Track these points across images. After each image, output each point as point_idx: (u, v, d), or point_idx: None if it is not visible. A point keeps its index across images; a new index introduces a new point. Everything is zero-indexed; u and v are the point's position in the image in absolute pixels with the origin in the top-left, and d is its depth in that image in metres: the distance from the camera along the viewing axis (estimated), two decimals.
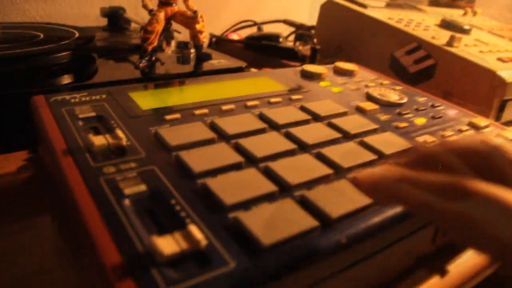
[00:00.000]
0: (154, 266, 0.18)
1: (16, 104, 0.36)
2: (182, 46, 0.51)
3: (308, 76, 0.45)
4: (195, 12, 0.49)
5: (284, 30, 0.83)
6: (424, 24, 0.70)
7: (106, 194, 0.22)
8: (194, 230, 0.19)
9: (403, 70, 0.63)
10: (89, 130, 0.29)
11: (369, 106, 0.38)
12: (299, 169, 0.26)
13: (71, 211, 0.22)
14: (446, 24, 0.71)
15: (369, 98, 0.41)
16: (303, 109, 0.35)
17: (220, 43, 0.80)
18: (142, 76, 0.44)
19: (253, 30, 0.88)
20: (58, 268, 0.25)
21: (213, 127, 0.30)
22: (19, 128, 0.37)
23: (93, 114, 0.31)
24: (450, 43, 0.59)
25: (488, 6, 1.07)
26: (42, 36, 0.48)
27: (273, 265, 0.19)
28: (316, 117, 0.34)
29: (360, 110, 0.38)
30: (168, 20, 0.48)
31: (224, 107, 0.34)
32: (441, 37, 0.62)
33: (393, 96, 0.41)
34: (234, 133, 0.29)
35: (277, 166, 0.26)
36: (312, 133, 0.31)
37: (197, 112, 0.32)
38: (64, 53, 0.42)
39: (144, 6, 0.46)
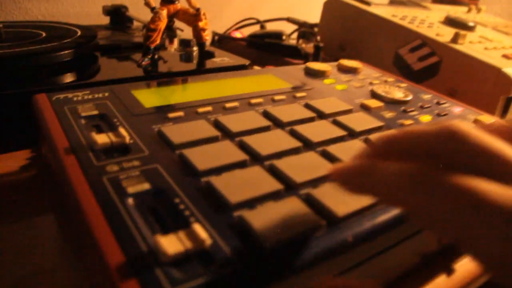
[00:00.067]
0: (158, 266, 0.17)
1: (18, 103, 0.36)
2: (185, 44, 0.51)
3: (312, 73, 0.45)
4: (198, 9, 0.48)
5: (287, 28, 0.83)
6: (428, 21, 0.69)
7: (109, 193, 0.21)
8: (199, 229, 0.19)
9: (407, 68, 0.62)
10: (91, 128, 0.28)
11: (373, 103, 0.38)
12: (304, 167, 0.25)
13: (73, 210, 0.21)
14: (450, 21, 0.71)
15: (374, 95, 0.40)
16: (308, 106, 0.35)
17: (223, 41, 0.79)
18: (144, 74, 0.44)
19: (256, 28, 0.88)
20: (58, 268, 0.25)
21: (217, 124, 0.30)
22: (22, 127, 0.36)
23: (95, 112, 0.30)
24: (454, 40, 0.59)
25: (492, 3, 1.07)
26: (44, 34, 0.48)
27: (278, 265, 0.19)
28: (321, 115, 0.34)
29: (365, 108, 0.37)
30: (170, 18, 0.48)
31: (228, 105, 0.33)
32: (445, 34, 0.61)
33: (397, 94, 0.41)
34: (238, 131, 0.29)
35: (282, 164, 0.25)
36: (317, 130, 0.30)
37: (201, 110, 0.32)
38: (66, 52, 0.42)
39: (147, 4, 0.45)
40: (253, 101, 0.35)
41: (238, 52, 0.56)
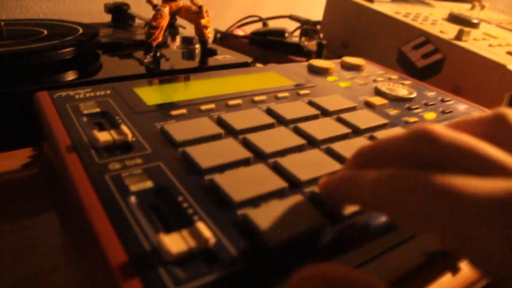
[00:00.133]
0: (161, 265, 0.17)
1: (20, 101, 0.36)
2: (187, 42, 0.50)
3: (315, 71, 0.45)
4: (200, 7, 0.48)
5: (289, 26, 0.83)
6: (432, 18, 0.69)
7: (111, 191, 0.21)
8: (202, 227, 0.18)
9: (410, 65, 0.62)
10: (93, 126, 0.28)
11: (378, 101, 0.37)
12: (308, 164, 0.25)
13: (75, 209, 0.21)
14: (454, 18, 0.70)
15: (378, 93, 0.40)
16: (312, 104, 0.35)
17: (225, 39, 0.79)
18: (146, 72, 0.44)
19: (258, 26, 0.88)
20: (59, 267, 0.25)
21: (220, 122, 0.30)
22: (23, 125, 0.36)
23: (97, 110, 0.30)
24: (458, 37, 0.58)
25: (496, 0, 1.06)
26: (46, 32, 0.48)
27: (283, 264, 0.18)
28: (324, 112, 0.34)
29: (369, 105, 0.37)
30: (173, 15, 0.48)
31: (231, 102, 0.33)
32: (449, 31, 0.61)
33: (402, 91, 0.41)
34: (242, 128, 0.29)
35: (287, 162, 0.25)
36: (321, 128, 0.30)
37: (203, 107, 0.32)
38: (68, 50, 0.42)
39: (149, 1, 0.45)
40: (256, 98, 0.34)
41: (240, 50, 0.56)
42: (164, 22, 0.45)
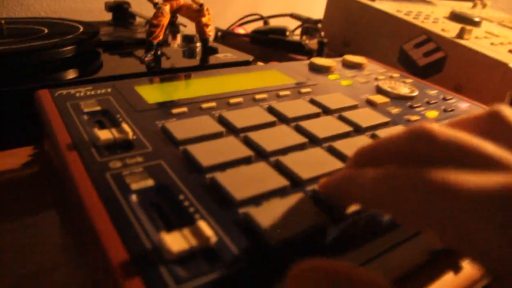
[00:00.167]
0: (162, 264, 0.17)
1: (21, 99, 0.35)
2: (188, 40, 0.50)
3: (317, 69, 0.45)
4: (201, 5, 0.48)
5: (290, 24, 0.82)
6: (433, 16, 0.68)
7: (112, 189, 0.21)
8: (204, 226, 0.18)
9: (412, 64, 0.62)
10: (94, 124, 0.28)
11: (379, 99, 0.37)
12: (310, 163, 0.25)
13: (76, 207, 0.21)
14: (455, 17, 0.70)
15: (379, 91, 0.40)
16: (313, 102, 0.35)
17: (226, 38, 0.79)
18: (147, 70, 0.44)
19: (259, 24, 0.87)
20: (60, 266, 0.25)
21: (221, 120, 0.30)
22: (24, 123, 0.36)
23: (98, 108, 0.30)
24: (460, 35, 0.58)
25: None
26: (46, 31, 0.48)
27: (284, 262, 0.18)
28: (326, 110, 0.33)
29: (370, 103, 0.37)
30: (173, 14, 0.47)
31: (232, 100, 0.33)
32: (450, 30, 0.61)
33: (403, 89, 0.40)
34: (243, 127, 0.29)
35: (288, 160, 0.25)
36: (322, 126, 0.30)
37: (204, 105, 0.32)
38: (68, 48, 0.42)
39: (149, 0, 0.45)
40: (258, 96, 0.34)
41: (241, 48, 0.56)
42: (165, 20, 0.45)
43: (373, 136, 0.30)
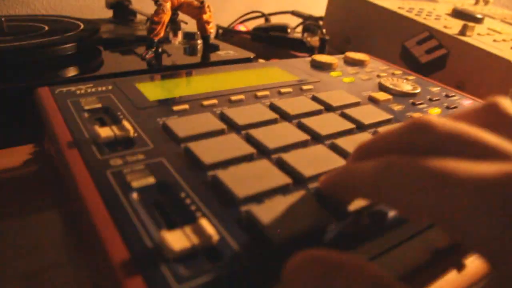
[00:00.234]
0: (163, 262, 0.17)
1: (21, 97, 0.35)
2: (189, 37, 0.50)
3: (319, 66, 0.44)
4: (202, 2, 0.48)
5: (291, 21, 0.82)
6: (435, 13, 0.68)
7: (113, 187, 0.21)
8: (206, 224, 0.18)
9: (414, 60, 0.61)
10: (95, 121, 0.28)
11: (382, 96, 0.37)
12: (313, 160, 0.25)
13: (77, 205, 0.21)
14: (457, 13, 0.70)
15: (382, 88, 0.40)
16: (315, 99, 0.34)
17: (227, 35, 0.79)
18: (148, 67, 0.43)
19: (260, 22, 0.87)
20: (61, 265, 0.24)
21: (223, 117, 0.29)
22: (25, 121, 0.36)
23: (99, 105, 0.30)
24: (462, 32, 0.57)
25: None
26: (47, 28, 0.48)
27: (287, 261, 0.18)
28: (328, 107, 0.33)
29: (373, 100, 0.37)
30: (174, 11, 0.47)
31: (234, 98, 0.33)
32: (453, 26, 0.60)
33: (406, 86, 0.40)
34: (245, 124, 0.28)
35: (290, 158, 0.25)
36: (325, 123, 0.30)
37: (206, 102, 0.31)
38: (69, 45, 0.41)
39: None
40: (259, 93, 0.34)
41: (242, 46, 0.56)
42: (166, 17, 0.45)
43: (376, 133, 0.30)
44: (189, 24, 0.55)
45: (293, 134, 0.28)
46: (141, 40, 0.53)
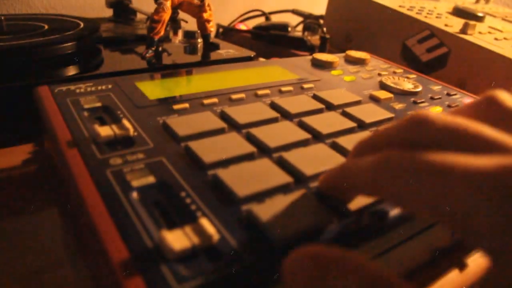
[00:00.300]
0: (163, 262, 0.17)
1: (21, 96, 0.35)
2: (190, 36, 0.50)
3: (319, 64, 0.44)
4: (202, 1, 0.48)
5: (292, 20, 0.82)
6: (436, 11, 0.68)
7: (112, 186, 0.21)
8: (206, 224, 0.18)
9: (415, 59, 0.61)
10: (94, 120, 0.28)
11: (383, 94, 0.37)
12: (314, 159, 0.25)
13: (76, 205, 0.21)
14: (458, 12, 0.70)
15: (383, 86, 0.40)
16: (316, 98, 0.34)
17: (228, 34, 0.79)
18: (148, 66, 0.43)
19: (261, 20, 0.87)
20: (61, 265, 0.24)
21: (223, 116, 0.29)
22: (24, 120, 0.36)
23: (99, 104, 0.30)
24: (464, 30, 0.57)
25: None
26: (46, 27, 0.48)
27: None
28: (329, 106, 0.33)
29: (374, 99, 0.36)
30: (175, 9, 0.47)
31: (234, 96, 0.33)
32: (454, 25, 0.60)
33: (407, 85, 0.40)
34: (245, 123, 0.28)
35: (291, 157, 0.24)
36: (326, 122, 0.30)
37: (206, 101, 0.31)
38: (68, 44, 0.41)
39: None
40: (260, 92, 0.34)
41: (243, 45, 0.56)
42: (166, 16, 0.45)
43: None
44: (189, 23, 0.55)
45: (294, 133, 0.27)
46: (141, 39, 0.53)
